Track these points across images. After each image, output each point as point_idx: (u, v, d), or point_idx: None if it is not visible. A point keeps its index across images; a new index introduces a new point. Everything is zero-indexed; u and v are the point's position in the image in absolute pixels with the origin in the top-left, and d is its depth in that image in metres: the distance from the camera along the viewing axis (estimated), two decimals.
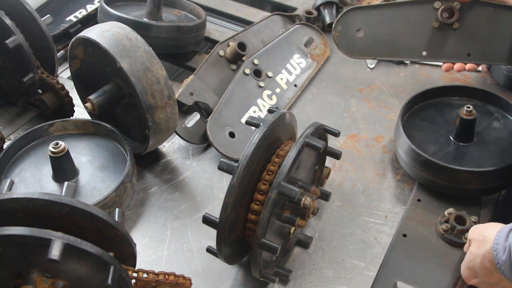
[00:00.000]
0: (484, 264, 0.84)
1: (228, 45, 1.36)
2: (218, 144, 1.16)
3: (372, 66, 1.47)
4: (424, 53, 1.15)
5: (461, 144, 1.12)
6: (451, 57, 1.19)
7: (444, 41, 1.14)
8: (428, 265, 0.97)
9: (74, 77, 1.17)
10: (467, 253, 0.90)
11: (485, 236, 0.85)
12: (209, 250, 0.92)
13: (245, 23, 1.60)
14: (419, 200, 1.08)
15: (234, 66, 1.35)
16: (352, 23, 1.18)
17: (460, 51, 1.17)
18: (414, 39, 1.16)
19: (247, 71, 1.34)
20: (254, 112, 1.27)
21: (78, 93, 1.19)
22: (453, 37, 1.14)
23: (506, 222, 1.02)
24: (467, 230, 0.99)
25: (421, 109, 1.20)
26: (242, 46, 1.33)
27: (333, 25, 1.19)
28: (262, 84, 1.32)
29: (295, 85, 1.37)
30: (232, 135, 1.19)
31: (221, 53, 1.34)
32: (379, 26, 1.17)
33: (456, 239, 0.99)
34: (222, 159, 0.87)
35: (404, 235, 1.01)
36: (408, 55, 1.21)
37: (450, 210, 1.03)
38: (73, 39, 1.07)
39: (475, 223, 1.00)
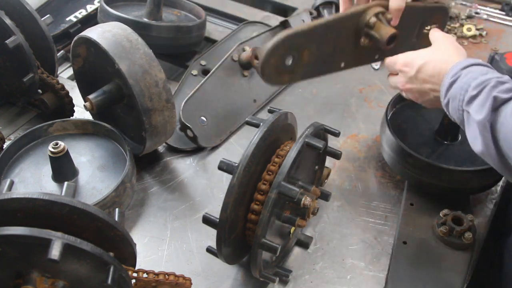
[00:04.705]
0: (429, 64, 0.91)
1: (243, 50, 1.33)
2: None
3: (377, 67, 1.47)
4: (343, 64, 1.07)
5: (449, 143, 1.12)
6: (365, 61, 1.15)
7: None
8: (434, 271, 0.96)
9: (76, 75, 1.17)
10: (423, 50, 0.96)
11: (450, 52, 0.93)
12: (209, 250, 0.92)
13: None
14: (411, 204, 1.08)
15: (246, 73, 1.33)
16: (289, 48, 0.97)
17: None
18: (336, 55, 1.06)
19: (195, 72, 1.33)
20: None
21: (80, 91, 1.19)
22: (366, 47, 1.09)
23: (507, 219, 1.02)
24: (466, 230, 0.99)
25: (398, 112, 1.19)
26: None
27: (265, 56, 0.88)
28: None
29: None
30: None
31: (235, 57, 1.31)
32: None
33: (457, 241, 0.99)
34: (222, 159, 0.87)
35: (404, 243, 1.01)
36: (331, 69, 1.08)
37: (445, 211, 1.03)
38: (75, 38, 1.07)
39: (472, 222, 1.00)
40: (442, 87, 0.88)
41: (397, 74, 1.00)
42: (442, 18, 1.22)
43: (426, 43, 1.17)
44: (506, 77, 0.81)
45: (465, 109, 0.82)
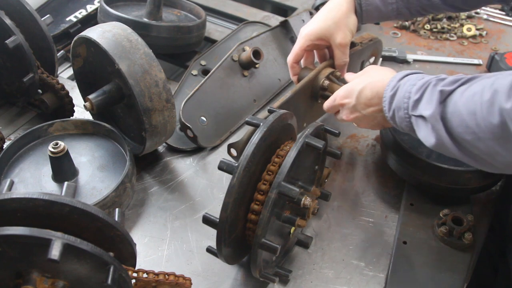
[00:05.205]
0: (366, 89, 0.94)
1: (243, 50, 1.33)
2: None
3: None
4: (305, 124, 1.18)
5: None
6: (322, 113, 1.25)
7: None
8: (434, 271, 0.96)
9: (76, 76, 1.17)
10: (355, 79, 0.99)
11: (380, 72, 0.96)
12: (209, 250, 0.92)
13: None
14: (411, 204, 1.08)
15: (246, 73, 1.33)
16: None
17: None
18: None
19: (195, 72, 1.33)
20: None
21: (81, 92, 1.19)
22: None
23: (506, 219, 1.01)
24: (466, 230, 0.99)
25: None
26: (257, 54, 1.29)
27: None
28: None
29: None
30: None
31: (235, 57, 1.31)
32: None
33: (457, 241, 0.99)
34: (222, 159, 0.87)
35: (404, 242, 1.01)
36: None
37: (445, 211, 1.03)
38: (75, 38, 1.07)
39: (472, 222, 1.00)
40: (384, 102, 0.90)
41: (339, 110, 1.03)
42: (378, 49, 1.32)
43: None
44: (444, 75, 0.84)
45: (411, 115, 0.85)
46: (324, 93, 1.12)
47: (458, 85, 0.80)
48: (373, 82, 0.94)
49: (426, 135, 0.83)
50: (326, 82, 1.11)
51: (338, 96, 1.00)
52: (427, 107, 0.81)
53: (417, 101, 0.83)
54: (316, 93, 1.13)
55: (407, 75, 0.89)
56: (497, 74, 0.77)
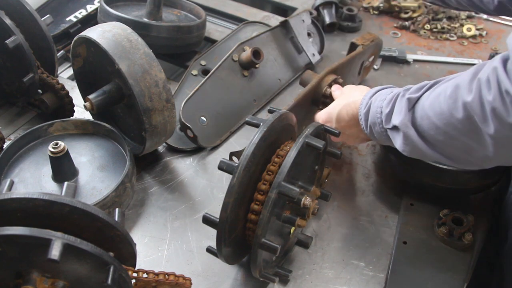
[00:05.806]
0: (342, 112, 0.99)
1: (243, 50, 1.33)
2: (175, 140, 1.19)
3: (377, 67, 1.47)
4: (304, 127, 1.18)
5: None
6: None
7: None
8: (434, 271, 0.96)
9: (76, 76, 1.17)
10: (334, 101, 1.05)
11: (353, 93, 1.00)
12: (209, 250, 0.92)
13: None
14: (411, 204, 1.08)
15: (246, 73, 1.33)
16: None
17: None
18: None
19: (195, 72, 1.34)
20: None
21: (81, 92, 1.19)
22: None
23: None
24: (466, 230, 0.99)
25: None
26: (257, 54, 1.29)
27: None
28: None
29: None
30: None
31: (235, 57, 1.31)
32: None
33: (457, 241, 0.99)
34: (222, 159, 0.87)
35: (404, 242, 1.01)
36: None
37: (445, 211, 1.03)
38: (75, 38, 1.07)
39: (472, 222, 1.00)
40: (360, 120, 0.94)
41: None
42: (378, 48, 1.34)
43: (365, 75, 1.34)
44: (411, 85, 0.86)
45: (386, 128, 0.87)
46: (325, 100, 1.13)
47: (424, 91, 0.82)
48: (347, 104, 0.98)
49: (401, 144, 0.85)
50: (329, 90, 1.12)
51: (320, 121, 1.04)
52: (397, 117, 0.84)
53: (389, 114, 0.86)
54: (317, 100, 1.14)
55: (378, 91, 0.92)
56: (460, 73, 0.79)
